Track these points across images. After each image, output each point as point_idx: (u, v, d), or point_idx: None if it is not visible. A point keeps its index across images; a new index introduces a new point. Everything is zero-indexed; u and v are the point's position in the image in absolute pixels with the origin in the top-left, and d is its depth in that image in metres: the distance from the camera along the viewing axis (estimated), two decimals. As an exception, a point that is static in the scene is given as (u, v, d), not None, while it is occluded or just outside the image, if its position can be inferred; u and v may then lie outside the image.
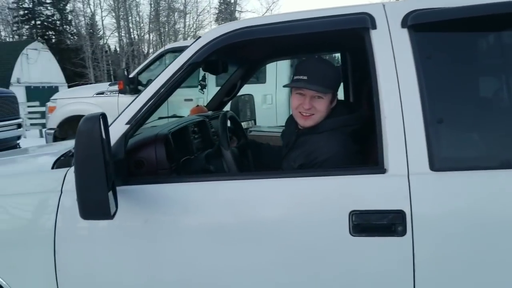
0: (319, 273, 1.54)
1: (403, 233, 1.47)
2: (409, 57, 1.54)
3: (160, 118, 2.83)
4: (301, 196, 1.56)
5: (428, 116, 1.51)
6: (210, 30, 1.73)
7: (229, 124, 2.26)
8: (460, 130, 1.56)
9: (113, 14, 31.29)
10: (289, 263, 1.55)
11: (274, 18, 1.70)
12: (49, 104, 6.79)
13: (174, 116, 3.07)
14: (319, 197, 1.55)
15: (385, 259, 1.50)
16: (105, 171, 1.33)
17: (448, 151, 1.54)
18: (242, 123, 3.53)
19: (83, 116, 1.50)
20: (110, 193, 1.43)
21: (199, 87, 3.01)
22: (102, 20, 36.60)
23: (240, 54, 2.62)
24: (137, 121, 1.68)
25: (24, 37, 34.33)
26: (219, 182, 1.65)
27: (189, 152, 2.19)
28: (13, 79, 18.62)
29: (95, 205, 1.36)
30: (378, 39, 1.58)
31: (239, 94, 3.48)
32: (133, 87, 5.47)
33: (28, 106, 14.71)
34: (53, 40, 36.12)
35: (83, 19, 32.60)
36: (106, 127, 1.46)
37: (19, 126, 7.48)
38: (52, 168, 1.79)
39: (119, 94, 5.84)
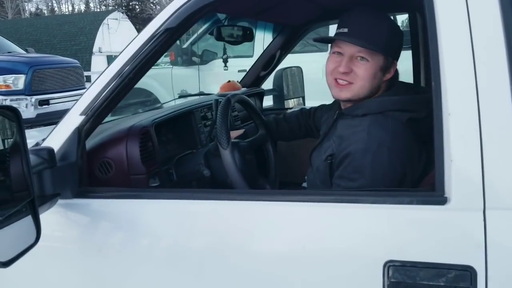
0: None
1: None
2: (495, 14, 0.93)
3: (180, 96, 2.38)
4: (309, 235, 1.03)
5: (525, 114, 0.90)
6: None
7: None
8: None
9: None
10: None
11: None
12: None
13: (201, 94, 2.60)
14: (337, 238, 1.01)
15: None
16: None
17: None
18: (288, 101, 2.99)
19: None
20: (26, 220, 1.00)
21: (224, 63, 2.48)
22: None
23: (273, 17, 2.06)
24: (96, 111, 1.22)
25: (110, 8, 35.60)
26: (195, 201, 1.15)
27: (192, 147, 1.71)
28: (95, 48, 19.22)
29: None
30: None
31: (285, 66, 2.94)
32: (186, 58, 5.07)
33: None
34: (137, 10, 37.10)
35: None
36: (20, 127, 1.01)
37: (84, 96, 7.44)
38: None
39: (173, 66, 5.49)
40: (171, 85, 5.09)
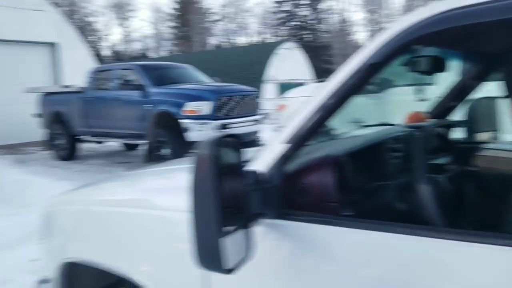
0: None
1: None
2: None
3: (366, 126, 2.37)
4: None
5: None
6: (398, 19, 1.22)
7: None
8: None
9: (364, 8, 31.43)
10: None
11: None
12: (279, 102, 6.93)
13: (384, 124, 2.54)
14: None
15: None
16: (216, 211, 0.99)
17: None
18: (481, 134, 2.75)
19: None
20: (239, 235, 1.10)
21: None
22: (352, 16, 37.10)
23: (475, 46, 1.94)
24: (298, 140, 1.31)
25: (284, 37, 37.67)
26: (392, 234, 1.13)
27: (382, 178, 1.68)
28: (268, 76, 20.48)
29: (206, 253, 1.04)
30: None
31: (479, 96, 2.72)
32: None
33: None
34: (307, 39, 38.57)
35: (333, 16, 33.77)
36: (237, 152, 1.12)
37: (256, 121, 7.98)
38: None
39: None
40: (346, 113, 5.06)
